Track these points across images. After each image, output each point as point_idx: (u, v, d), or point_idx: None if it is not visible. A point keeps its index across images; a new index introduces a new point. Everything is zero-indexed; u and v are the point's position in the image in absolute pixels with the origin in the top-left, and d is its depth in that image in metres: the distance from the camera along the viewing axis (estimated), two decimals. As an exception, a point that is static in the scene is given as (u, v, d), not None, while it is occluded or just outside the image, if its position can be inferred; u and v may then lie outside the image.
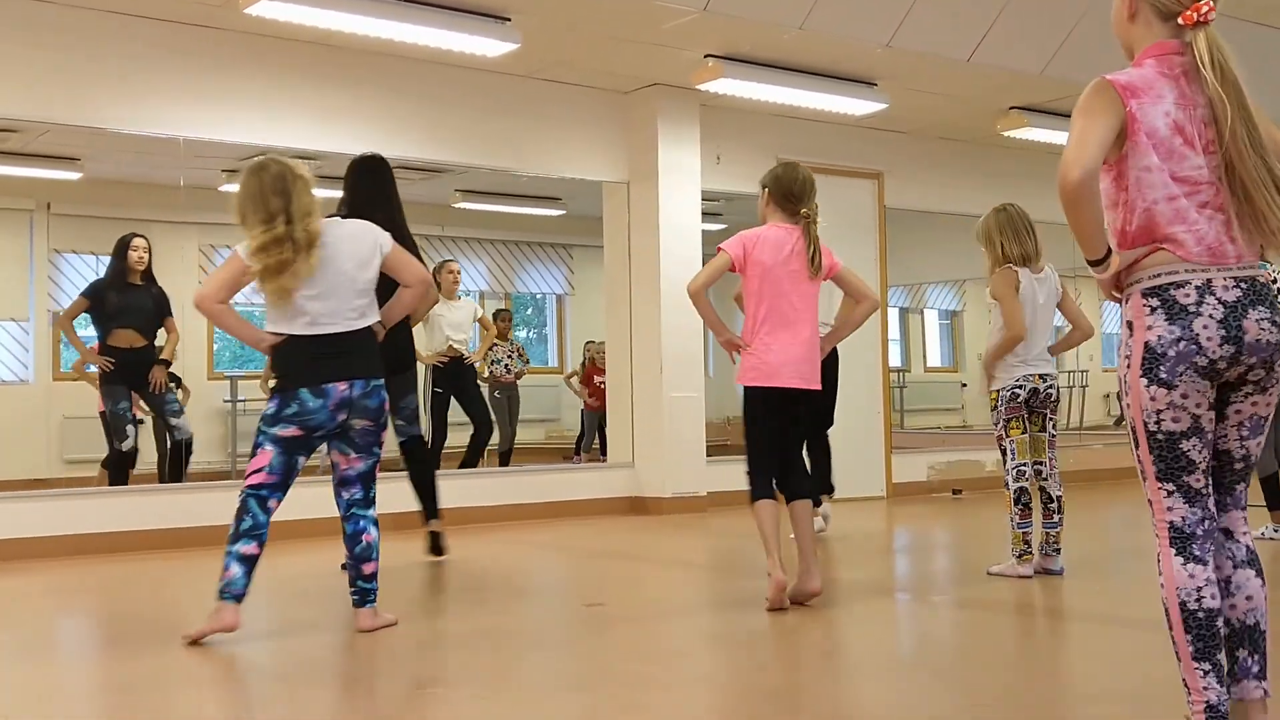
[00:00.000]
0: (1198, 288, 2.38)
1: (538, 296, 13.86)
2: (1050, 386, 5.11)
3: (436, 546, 5.77)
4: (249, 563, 3.95)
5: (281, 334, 4.01)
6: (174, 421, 7.49)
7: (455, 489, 7.72)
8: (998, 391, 5.12)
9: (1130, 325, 2.45)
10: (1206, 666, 2.37)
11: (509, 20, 6.80)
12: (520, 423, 11.23)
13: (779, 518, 4.43)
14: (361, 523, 4.12)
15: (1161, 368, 2.38)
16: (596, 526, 7.49)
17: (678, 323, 8.21)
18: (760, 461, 4.54)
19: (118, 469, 7.26)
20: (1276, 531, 6.22)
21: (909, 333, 14.29)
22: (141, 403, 7.48)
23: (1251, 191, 2.38)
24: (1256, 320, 2.38)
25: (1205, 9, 2.41)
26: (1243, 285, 2.39)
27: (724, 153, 8.66)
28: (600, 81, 8.16)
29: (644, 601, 4.95)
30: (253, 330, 4.16)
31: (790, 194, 4.58)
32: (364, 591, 4.13)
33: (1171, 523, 2.44)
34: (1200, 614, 2.38)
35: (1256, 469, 6.14)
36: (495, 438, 9.39)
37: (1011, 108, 8.95)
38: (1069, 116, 2.48)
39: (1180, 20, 2.44)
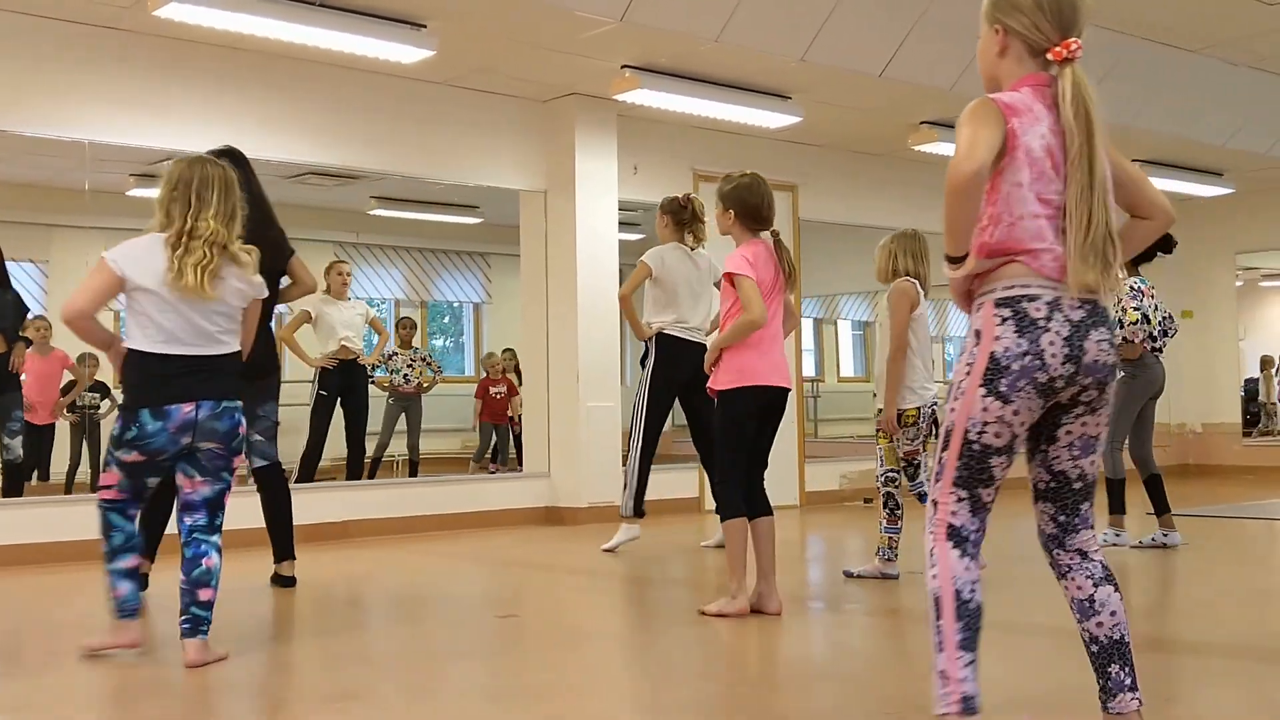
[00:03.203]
0: (1049, 303, 2.45)
1: (454, 305, 13.77)
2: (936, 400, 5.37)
3: (282, 580, 5.22)
4: (133, 576, 3.82)
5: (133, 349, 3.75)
6: (6, 440, 7.50)
7: (365, 499, 7.66)
8: (917, 409, 5.29)
9: (978, 334, 2.49)
10: (970, 658, 2.42)
11: (424, 27, 6.77)
12: (435, 433, 11.11)
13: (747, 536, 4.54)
14: (203, 546, 3.76)
15: (1003, 380, 2.44)
16: (511, 536, 7.46)
17: (594, 332, 8.21)
18: (738, 475, 4.61)
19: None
20: (1118, 536, 6.41)
21: (823, 343, 14.45)
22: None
23: (1068, 228, 2.46)
24: (1097, 341, 2.47)
25: (1074, 46, 2.50)
26: (1086, 307, 2.47)
27: (641, 163, 8.69)
28: (518, 90, 8.14)
29: (558, 612, 4.93)
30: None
31: (758, 215, 4.59)
32: (196, 620, 3.73)
33: (951, 525, 2.50)
34: (972, 605, 2.44)
35: (1106, 471, 6.37)
36: (371, 449, 9.28)
37: (922, 123, 9.11)
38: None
39: (1049, 56, 2.52)
